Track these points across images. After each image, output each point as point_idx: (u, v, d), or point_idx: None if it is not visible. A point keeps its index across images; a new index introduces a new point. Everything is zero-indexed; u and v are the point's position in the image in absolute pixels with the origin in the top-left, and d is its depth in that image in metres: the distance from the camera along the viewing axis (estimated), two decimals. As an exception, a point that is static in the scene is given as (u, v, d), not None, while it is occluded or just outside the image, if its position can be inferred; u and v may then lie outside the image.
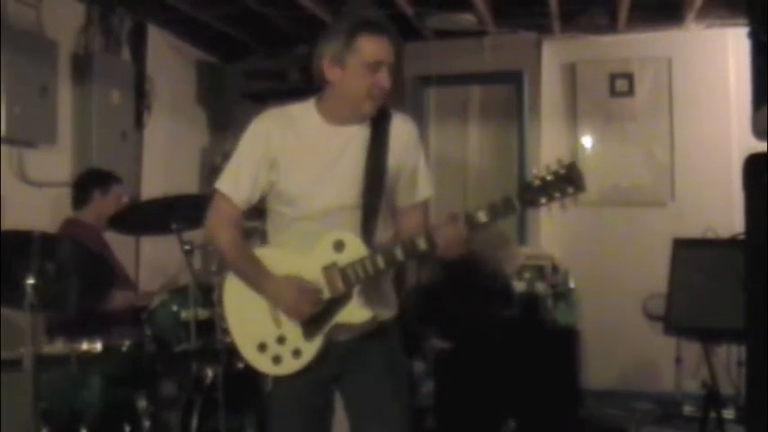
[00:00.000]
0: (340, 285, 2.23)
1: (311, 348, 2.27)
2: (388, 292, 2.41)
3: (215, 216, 2.37)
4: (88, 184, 3.97)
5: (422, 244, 2.17)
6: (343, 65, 2.24)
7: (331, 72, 2.27)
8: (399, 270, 2.45)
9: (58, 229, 3.81)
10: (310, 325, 2.26)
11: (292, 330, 2.28)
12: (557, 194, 2.09)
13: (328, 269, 2.24)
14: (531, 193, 2.10)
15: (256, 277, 2.31)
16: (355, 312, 2.25)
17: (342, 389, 2.40)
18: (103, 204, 3.90)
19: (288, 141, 2.30)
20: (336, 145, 2.31)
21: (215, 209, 2.38)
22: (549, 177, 2.09)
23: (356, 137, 2.32)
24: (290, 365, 2.28)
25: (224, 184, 2.35)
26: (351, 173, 2.29)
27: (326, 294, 2.24)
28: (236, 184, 2.33)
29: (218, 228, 2.37)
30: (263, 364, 2.31)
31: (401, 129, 2.38)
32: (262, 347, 2.30)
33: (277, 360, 2.29)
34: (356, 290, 2.24)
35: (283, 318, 2.28)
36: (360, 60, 2.23)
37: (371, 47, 2.22)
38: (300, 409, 2.34)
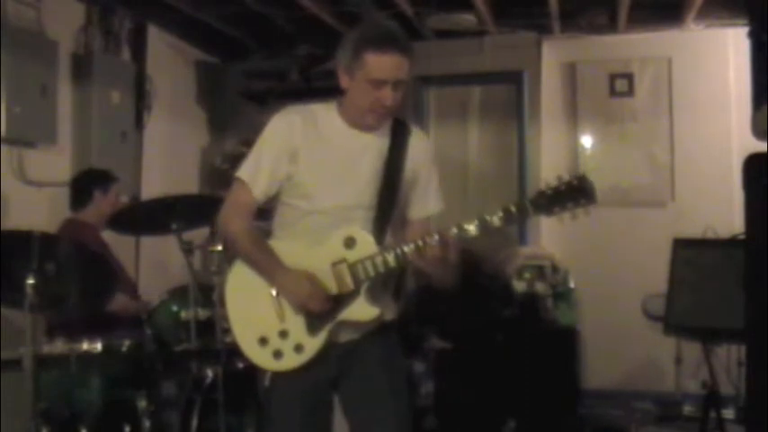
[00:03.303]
0: (349, 282, 2.23)
1: (314, 344, 2.27)
2: (390, 292, 2.42)
3: (231, 204, 2.38)
4: (89, 184, 3.96)
5: (432, 243, 2.18)
6: (351, 75, 2.29)
7: (342, 79, 2.32)
8: (400, 273, 2.45)
9: (58, 229, 3.81)
10: (315, 320, 2.26)
11: (296, 325, 2.28)
12: (570, 204, 2.16)
13: (337, 265, 2.24)
14: (545, 201, 2.15)
15: (269, 266, 2.30)
16: (362, 310, 2.26)
17: (340, 391, 2.40)
18: (104, 204, 3.90)
19: (309, 137, 2.33)
20: (356, 147, 2.35)
21: (233, 197, 2.38)
22: (561, 187, 2.15)
23: (375, 143, 2.36)
24: (291, 361, 2.28)
25: (245, 172, 2.36)
26: (369, 175, 2.33)
27: (334, 290, 2.24)
28: (256, 174, 2.34)
29: (233, 215, 2.37)
30: (262, 358, 2.30)
31: (418, 144, 2.43)
32: (263, 341, 2.29)
33: (278, 355, 2.28)
34: (364, 287, 2.24)
35: (287, 312, 2.28)
36: (364, 76, 2.25)
37: (376, 64, 2.24)
38: (300, 407, 2.33)
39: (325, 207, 2.31)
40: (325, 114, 2.37)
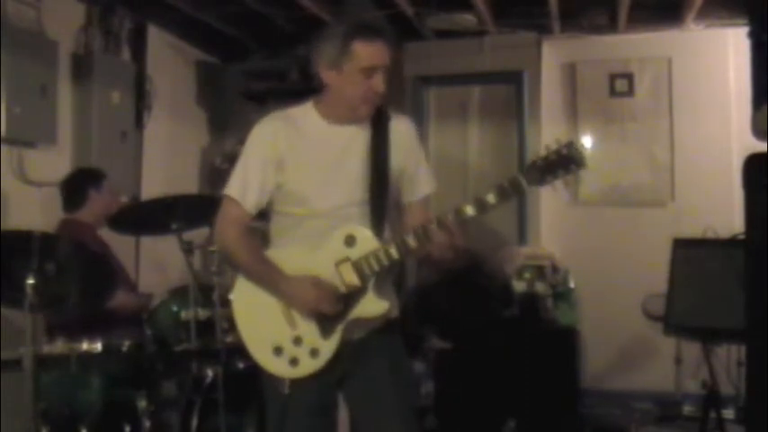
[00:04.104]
0: (355, 279, 2.24)
1: (329, 346, 2.27)
2: (392, 289, 2.42)
3: (224, 220, 2.38)
4: (83, 183, 3.92)
5: (434, 230, 2.18)
6: (339, 69, 2.28)
7: (327, 76, 2.30)
8: (399, 270, 2.45)
9: (56, 230, 3.80)
10: (326, 322, 2.26)
11: (308, 330, 2.27)
12: (560, 172, 2.14)
13: (341, 264, 2.24)
14: (537, 172, 2.14)
15: (271, 278, 2.31)
16: (372, 305, 2.26)
17: (345, 390, 2.40)
18: (99, 202, 3.87)
19: (293, 142, 2.33)
20: (340, 144, 2.34)
21: (224, 214, 2.38)
22: (551, 156, 2.14)
23: (358, 136, 2.35)
24: (308, 366, 2.28)
25: (232, 189, 2.36)
26: (357, 171, 2.32)
27: (342, 290, 2.24)
28: (245, 188, 2.34)
29: (228, 231, 2.37)
30: (279, 367, 2.30)
31: (401, 129, 2.42)
32: (277, 351, 2.29)
33: (294, 362, 2.28)
34: (371, 283, 2.24)
35: (298, 318, 2.28)
36: (355, 66, 2.25)
37: (366, 52, 2.25)
38: (312, 409, 2.33)
39: (320, 210, 2.31)
40: (304, 116, 2.37)
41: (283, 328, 2.29)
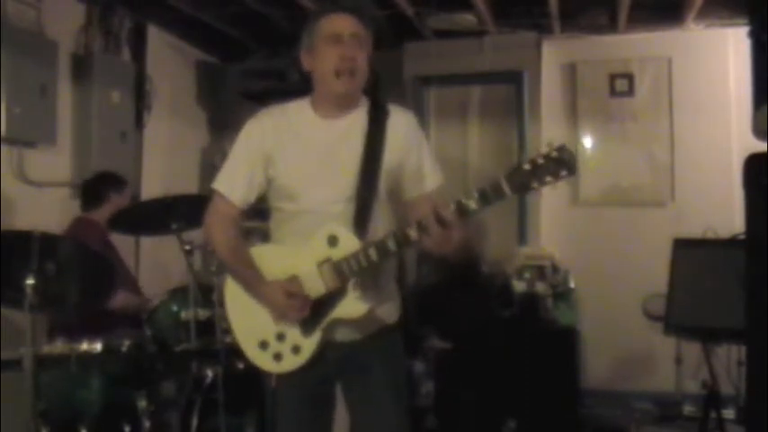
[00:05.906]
0: (335, 280, 2.23)
1: (310, 344, 2.28)
2: (390, 294, 2.41)
3: (212, 215, 2.40)
4: (104, 185, 4.02)
5: (412, 234, 2.14)
6: (312, 53, 2.31)
7: (306, 62, 2.34)
8: (399, 270, 2.44)
9: (67, 227, 3.82)
10: (308, 321, 2.27)
11: (291, 327, 2.29)
12: (548, 178, 2.00)
13: (323, 265, 2.24)
14: (520, 177, 2.02)
15: (248, 280, 2.34)
16: (351, 306, 2.25)
17: (343, 390, 2.42)
18: (118, 204, 3.93)
19: (283, 137, 2.33)
20: (331, 138, 2.33)
21: (212, 208, 2.40)
22: (539, 160, 2.01)
23: (352, 131, 2.33)
24: (290, 362, 2.29)
25: (220, 183, 2.38)
26: (347, 167, 2.29)
27: (322, 290, 2.24)
28: (233, 183, 2.35)
29: (215, 228, 2.39)
30: (264, 361, 2.32)
31: (400, 123, 2.37)
32: (263, 345, 2.31)
33: (278, 357, 2.30)
34: (351, 284, 2.23)
35: None
36: (321, 40, 2.29)
37: (328, 24, 2.29)
38: (300, 406, 2.35)
39: (309, 205, 2.30)
40: (298, 111, 2.37)
41: (268, 324, 2.31)
